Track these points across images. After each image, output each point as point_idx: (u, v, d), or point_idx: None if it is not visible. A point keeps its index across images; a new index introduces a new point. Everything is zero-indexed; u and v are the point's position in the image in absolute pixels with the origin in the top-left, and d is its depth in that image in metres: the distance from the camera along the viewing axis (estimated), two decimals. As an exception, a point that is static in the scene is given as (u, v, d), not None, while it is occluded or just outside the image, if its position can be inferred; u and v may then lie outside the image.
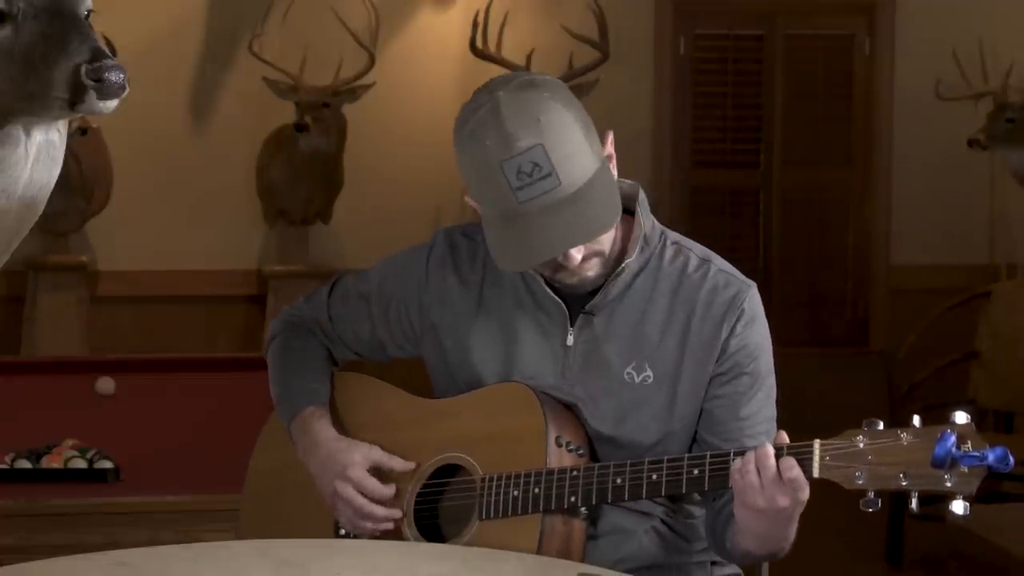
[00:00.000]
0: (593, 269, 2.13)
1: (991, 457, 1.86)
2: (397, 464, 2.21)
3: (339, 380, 2.37)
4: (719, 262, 2.21)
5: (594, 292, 2.17)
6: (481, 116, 2.03)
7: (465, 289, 2.25)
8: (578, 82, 6.21)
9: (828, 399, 6.57)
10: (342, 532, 2.25)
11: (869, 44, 7.07)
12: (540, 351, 2.19)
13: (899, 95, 7.02)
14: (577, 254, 2.07)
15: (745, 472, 1.97)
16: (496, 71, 6.27)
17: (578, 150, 2.02)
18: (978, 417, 5.88)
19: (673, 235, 2.23)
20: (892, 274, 7.09)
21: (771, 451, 1.96)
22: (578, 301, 2.18)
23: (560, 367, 2.18)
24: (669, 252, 2.20)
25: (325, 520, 2.26)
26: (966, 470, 1.87)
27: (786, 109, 7.04)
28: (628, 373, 2.16)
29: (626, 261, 2.15)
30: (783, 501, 1.97)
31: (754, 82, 7.05)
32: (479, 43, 6.33)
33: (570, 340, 2.18)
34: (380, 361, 2.40)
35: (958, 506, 1.88)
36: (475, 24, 6.35)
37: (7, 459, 3.22)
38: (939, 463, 1.87)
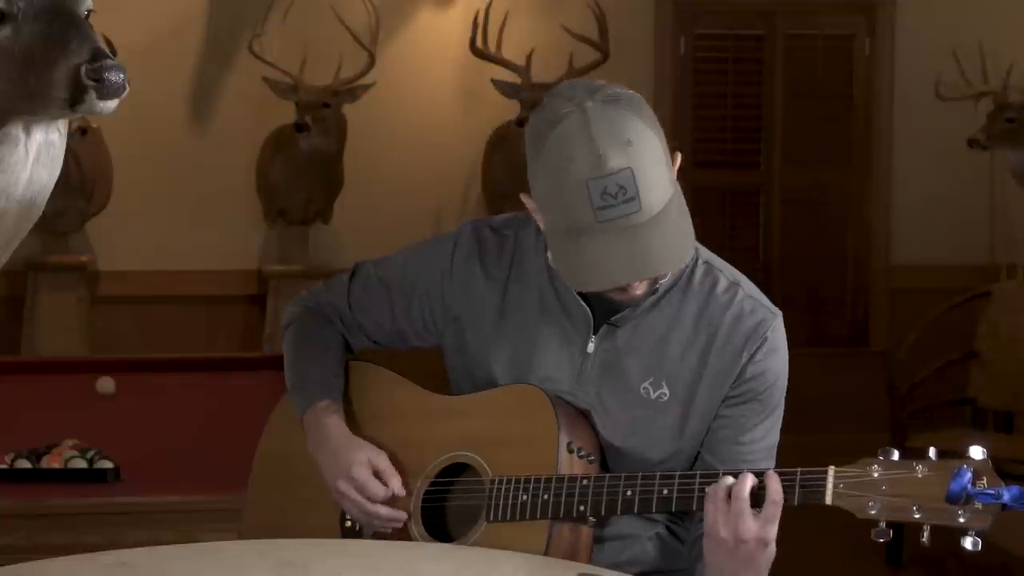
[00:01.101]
0: (643, 289, 2.12)
1: (1007, 496, 1.84)
2: (395, 483, 2.19)
3: (352, 370, 2.35)
4: (747, 287, 2.20)
5: (620, 303, 2.15)
6: (568, 128, 1.99)
7: (490, 284, 2.24)
8: (578, 82, 6.21)
9: (828, 399, 6.58)
10: (348, 522, 2.25)
11: (869, 44, 7.07)
12: (559, 355, 2.18)
13: (899, 95, 7.02)
14: (643, 282, 2.08)
15: (715, 498, 1.98)
16: (496, 71, 6.28)
17: (659, 176, 2.01)
18: (978, 417, 5.88)
19: (705, 253, 2.22)
20: (892, 274, 7.09)
21: (728, 480, 1.97)
22: (604, 310, 2.17)
23: (576, 373, 2.17)
24: (699, 271, 2.19)
25: (332, 507, 2.25)
26: (980, 507, 1.86)
27: (786, 109, 7.04)
28: (644, 388, 2.15)
29: (661, 280, 2.15)
30: (746, 532, 1.96)
31: (754, 82, 7.05)
32: (479, 43, 6.33)
33: (590, 347, 2.17)
34: (399, 350, 2.38)
35: (969, 542, 1.87)
36: (475, 24, 6.35)
37: (7, 459, 3.22)
38: (954, 499, 1.85)
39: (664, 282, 2.15)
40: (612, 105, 2.00)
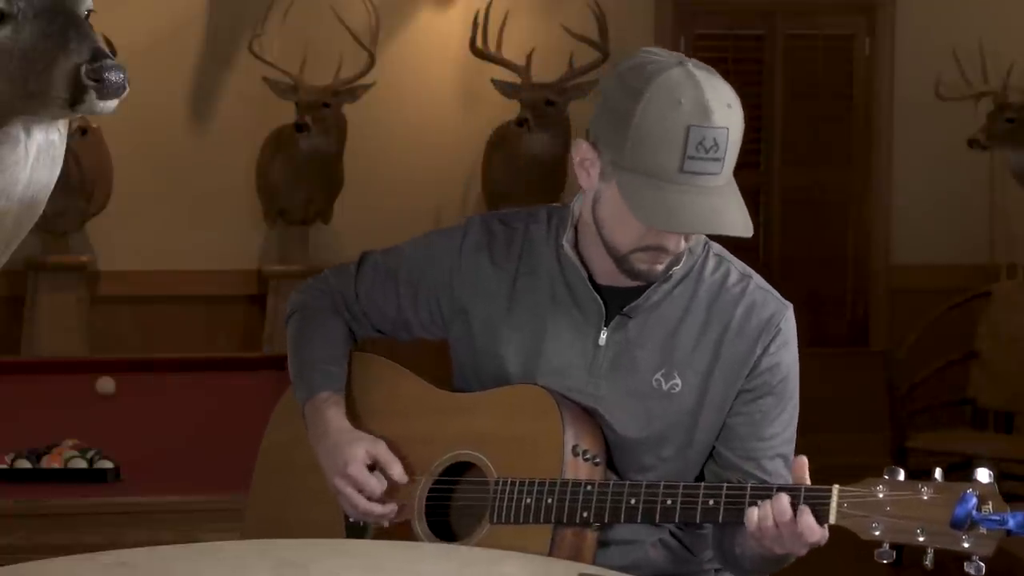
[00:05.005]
0: (663, 264, 2.12)
1: (1012, 522, 1.84)
2: (397, 470, 2.19)
3: (357, 362, 2.34)
4: (758, 279, 2.21)
5: (633, 293, 2.15)
6: (677, 76, 2.02)
7: (499, 276, 2.23)
8: (578, 82, 6.22)
9: (828, 399, 6.57)
10: (352, 518, 2.25)
11: (869, 44, 7.07)
12: (570, 347, 2.17)
13: (899, 95, 7.02)
14: (685, 242, 2.10)
15: (763, 524, 1.98)
16: (496, 71, 6.28)
17: (738, 148, 2.07)
18: (978, 417, 5.86)
19: (716, 246, 2.22)
20: (892, 274, 7.09)
21: (787, 501, 1.97)
22: (616, 301, 2.16)
23: (588, 365, 2.16)
24: (711, 263, 2.19)
25: (335, 501, 2.24)
26: (985, 532, 1.86)
27: (786, 109, 7.04)
28: (656, 379, 2.15)
29: (674, 268, 2.15)
30: (798, 549, 2.00)
31: (754, 82, 7.04)
32: (479, 43, 6.33)
33: (602, 339, 2.16)
34: (402, 340, 2.36)
35: (972, 568, 1.87)
36: (475, 24, 6.35)
37: (7, 459, 3.22)
38: (959, 524, 1.85)
39: (677, 270, 2.15)
40: (711, 72, 2.06)
